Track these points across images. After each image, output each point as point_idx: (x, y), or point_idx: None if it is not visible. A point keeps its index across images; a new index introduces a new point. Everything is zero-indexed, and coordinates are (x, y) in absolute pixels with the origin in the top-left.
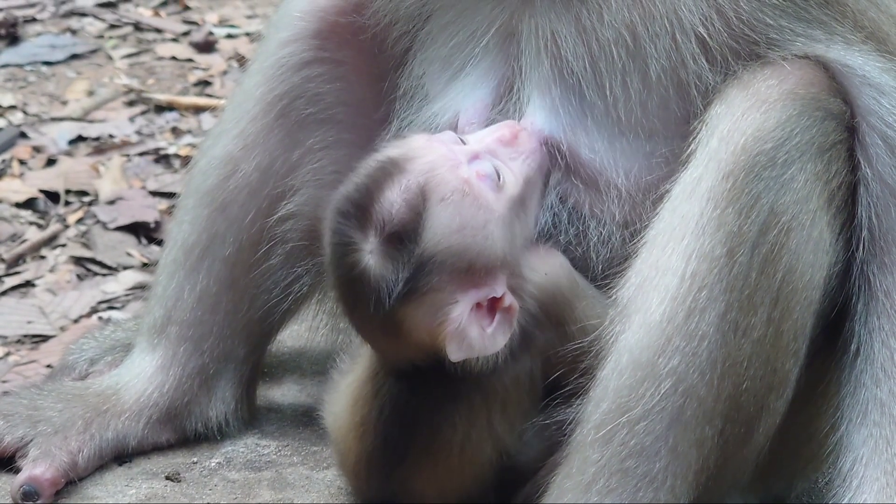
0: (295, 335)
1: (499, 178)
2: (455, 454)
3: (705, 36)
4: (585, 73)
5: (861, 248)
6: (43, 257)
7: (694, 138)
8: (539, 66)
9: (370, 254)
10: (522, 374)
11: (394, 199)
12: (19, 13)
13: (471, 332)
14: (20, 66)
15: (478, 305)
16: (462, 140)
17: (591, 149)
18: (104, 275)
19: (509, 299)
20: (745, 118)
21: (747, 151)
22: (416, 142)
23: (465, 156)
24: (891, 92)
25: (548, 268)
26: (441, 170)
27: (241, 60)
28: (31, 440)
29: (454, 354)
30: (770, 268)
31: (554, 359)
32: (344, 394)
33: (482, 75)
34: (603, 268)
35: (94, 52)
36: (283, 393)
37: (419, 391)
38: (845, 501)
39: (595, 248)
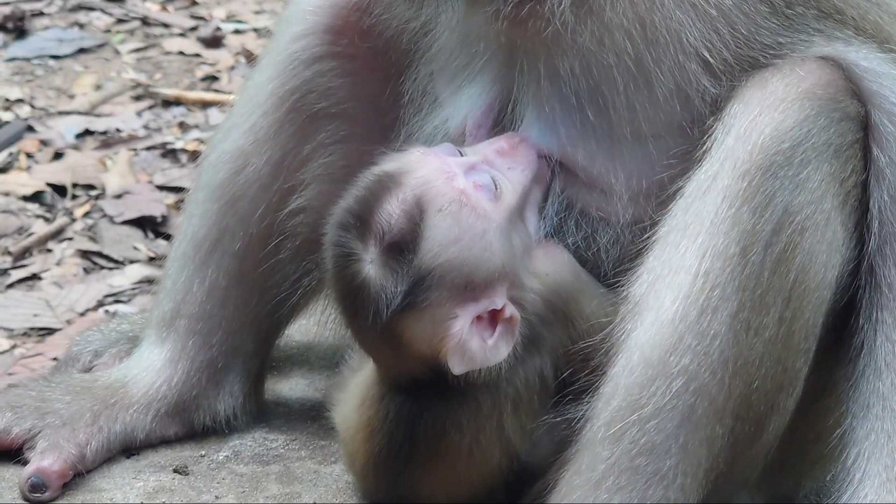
0: (303, 329)
1: (496, 187)
2: (463, 458)
3: (707, 56)
4: (581, 89)
5: (870, 239)
6: (49, 250)
7: (709, 136)
8: (537, 78)
9: (370, 264)
10: (533, 375)
11: (392, 211)
12: (27, 7)
13: (472, 345)
14: (28, 59)
15: (478, 318)
16: (460, 152)
17: (590, 156)
18: (111, 268)
19: (510, 310)
20: (763, 117)
21: (764, 150)
22: (412, 155)
23: (460, 167)
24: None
25: (551, 265)
26: (437, 182)
27: (249, 56)
28: (40, 432)
29: (456, 368)
30: (783, 267)
31: (564, 356)
32: (352, 393)
33: (488, 81)
34: (613, 266)
35: (101, 46)
36: (291, 387)
37: (426, 395)
38: (846, 496)
39: (605, 250)
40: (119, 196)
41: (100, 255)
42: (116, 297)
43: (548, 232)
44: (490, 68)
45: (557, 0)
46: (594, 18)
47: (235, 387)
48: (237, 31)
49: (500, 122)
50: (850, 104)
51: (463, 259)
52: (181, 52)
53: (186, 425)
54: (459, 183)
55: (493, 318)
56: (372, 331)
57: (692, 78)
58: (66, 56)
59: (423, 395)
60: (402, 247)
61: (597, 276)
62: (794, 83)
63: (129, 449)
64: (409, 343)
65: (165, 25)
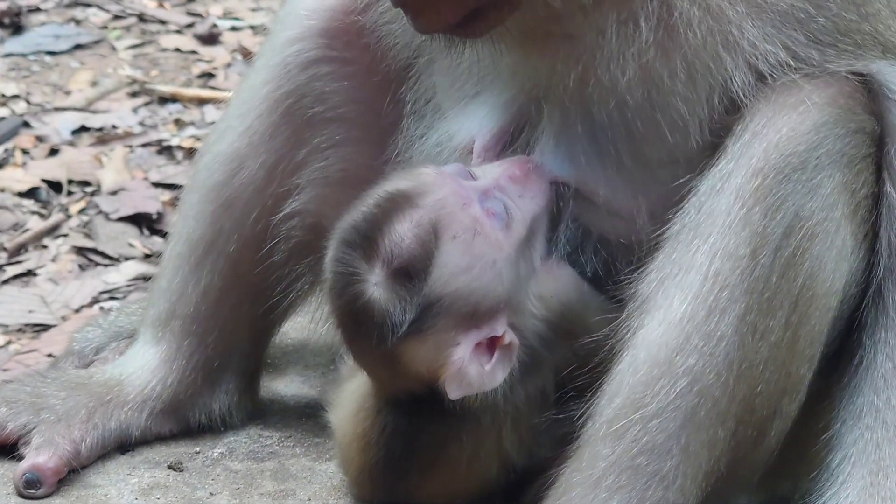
0: (298, 327)
1: (507, 216)
2: (461, 470)
3: (738, 90)
4: (606, 120)
5: (880, 263)
6: (45, 247)
7: (730, 136)
8: (561, 106)
9: (375, 286)
10: (535, 392)
11: (404, 233)
12: (24, 2)
13: (470, 371)
14: (24, 55)
15: (477, 344)
16: (471, 173)
17: (612, 185)
18: (106, 265)
19: (509, 336)
20: (781, 116)
21: (780, 150)
22: (426, 176)
23: (475, 192)
24: None
25: (555, 286)
26: (453, 207)
27: (245, 53)
28: (34, 428)
29: (453, 393)
30: (791, 272)
31: (567, 362)
32: (348, 399)
33: (501, 104)
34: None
35: (97, 42)
36: (286, 384)
37: (424, 410)
38: (826, 496)
39: (625, 275)
40: (114, 193)
41: (95, 251)
42: (111, 294)
43: (562, 257)
44: (505, 92)
45: (594, 43)
46: None
47: (230, 385)
48: (233, 29)
49: (510, 144)
50: (866, 119)
51: (472, 288)
52: (177, 49)
53: (181, 423)
54: (475, 210)
55: (492, 343)
56: (372, 352)
57: (724, 108)
58: (62, 52)
59: (420, 411)
60: (410, 272)
61: (614, 299)
62: (815, 89)
63: (123, 446)
64: (408, 365)
65: (162, 22)
